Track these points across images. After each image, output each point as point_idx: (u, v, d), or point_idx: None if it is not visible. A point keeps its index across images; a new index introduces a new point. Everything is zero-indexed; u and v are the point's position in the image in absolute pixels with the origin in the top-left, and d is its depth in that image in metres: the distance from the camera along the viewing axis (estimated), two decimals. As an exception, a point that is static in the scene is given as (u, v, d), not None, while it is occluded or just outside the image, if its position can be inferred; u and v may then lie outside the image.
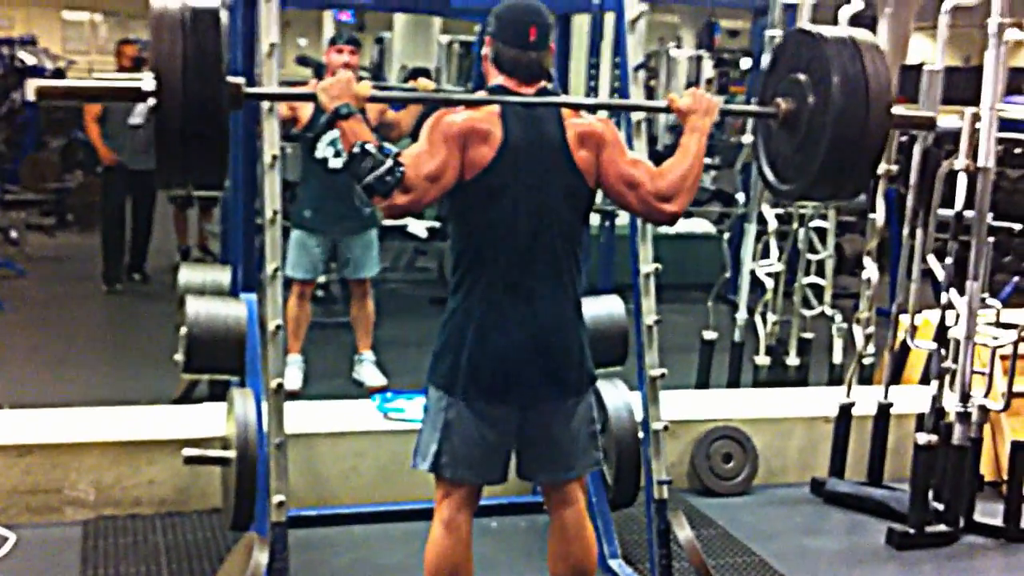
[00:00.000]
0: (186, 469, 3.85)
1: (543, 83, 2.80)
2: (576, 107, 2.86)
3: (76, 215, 10.17)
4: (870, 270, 4.80)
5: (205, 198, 8.38)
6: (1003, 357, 4.35)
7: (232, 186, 4.02)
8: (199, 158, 2.38)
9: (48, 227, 9.87)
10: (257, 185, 3.69)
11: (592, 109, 2.96)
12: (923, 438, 4.16)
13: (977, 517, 4.26)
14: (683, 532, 3.35)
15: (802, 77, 2.81)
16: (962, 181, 4.18)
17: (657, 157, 2.99)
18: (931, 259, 4.36)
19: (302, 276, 5.31)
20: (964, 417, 4.17)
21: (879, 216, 4.84)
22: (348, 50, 5.24)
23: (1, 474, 3.86)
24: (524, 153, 2.71)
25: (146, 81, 2.31)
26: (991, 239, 4.19)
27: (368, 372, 5.51)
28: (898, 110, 2.84)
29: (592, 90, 5.36)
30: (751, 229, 5.68)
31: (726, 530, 4.16)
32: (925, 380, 4.90)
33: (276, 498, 2.98)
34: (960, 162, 4.17)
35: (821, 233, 5.72)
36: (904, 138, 5.84)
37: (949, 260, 4.23)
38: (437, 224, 7.56)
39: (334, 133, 2.71)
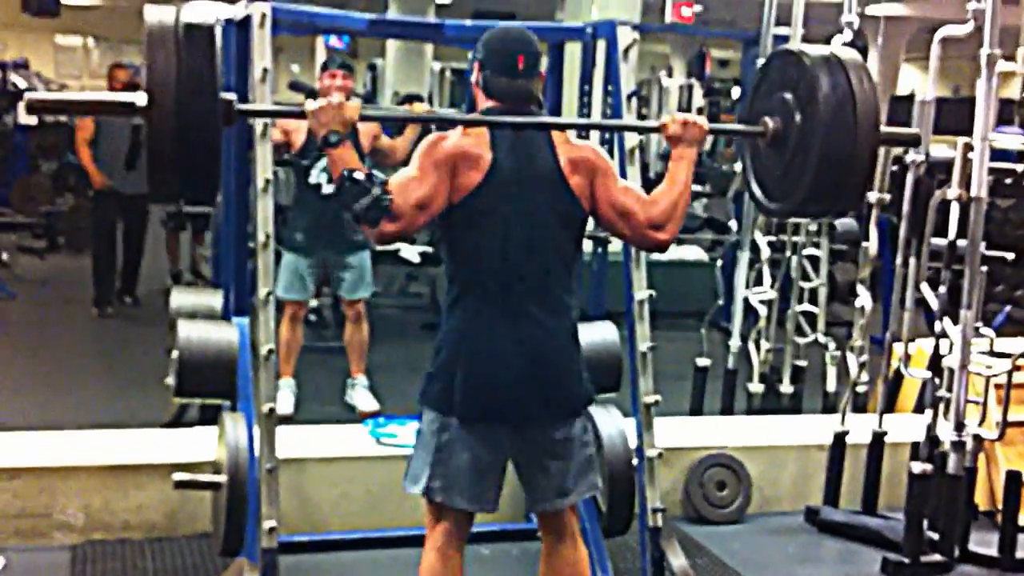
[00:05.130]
0: (176, 494, 3.82)
1: (532, 109, 2.80)
2: (568, 128, 2.87)
3: (67, 238, 10.15)
4: (863, 298, 4.79)
5: (197, 222, 8.38)
6: (997, 386, 4.35)
7: (224, 209, 4.01)
8: (192, 173, 2.38)
9: (39, 250, 9.85)
10: (250, 209, 3.68)
11: (585, 129, 2.96)
12: (918, 467, 4.14)
13: (972, 547, 4.24)
14: (677, 560, 3.34)
15: (788, 96, 2.79)
16: (955, 210, 4.19)
17: (649, 184, 2.99)
18: (924, 288, 4.36)
19: (294, 297, 5.30)
20: (959, 446, 4.15)
21: (872, 245, 4.84)
22: (341, 75, 5.25)
23: (-11, 497, 3.84)
24: (513, 177, 2.71)
25: (139, 98, 2.31)
26: (984, 268, 4.20)
27: (361, 396, 5.48)
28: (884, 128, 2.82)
29: (584, 116, 5.37)
30: (744, 257, 5.69)
31: (720, 559, 4.13)
32: (919, 409, 4.89)
33: (267, 524, 2.96)
34: (953, 191, 4.18)
35: (814, 261, 5.73)
36: (896, 168, 5.86)
37: (942, 289, 4.23)
38: (429, 249, 7.57)
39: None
